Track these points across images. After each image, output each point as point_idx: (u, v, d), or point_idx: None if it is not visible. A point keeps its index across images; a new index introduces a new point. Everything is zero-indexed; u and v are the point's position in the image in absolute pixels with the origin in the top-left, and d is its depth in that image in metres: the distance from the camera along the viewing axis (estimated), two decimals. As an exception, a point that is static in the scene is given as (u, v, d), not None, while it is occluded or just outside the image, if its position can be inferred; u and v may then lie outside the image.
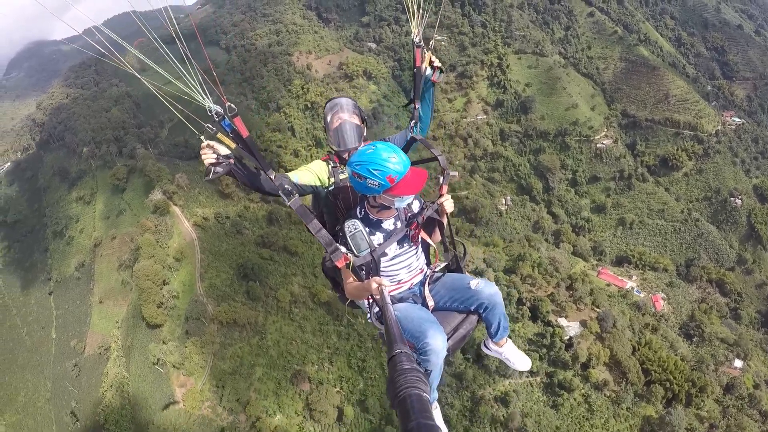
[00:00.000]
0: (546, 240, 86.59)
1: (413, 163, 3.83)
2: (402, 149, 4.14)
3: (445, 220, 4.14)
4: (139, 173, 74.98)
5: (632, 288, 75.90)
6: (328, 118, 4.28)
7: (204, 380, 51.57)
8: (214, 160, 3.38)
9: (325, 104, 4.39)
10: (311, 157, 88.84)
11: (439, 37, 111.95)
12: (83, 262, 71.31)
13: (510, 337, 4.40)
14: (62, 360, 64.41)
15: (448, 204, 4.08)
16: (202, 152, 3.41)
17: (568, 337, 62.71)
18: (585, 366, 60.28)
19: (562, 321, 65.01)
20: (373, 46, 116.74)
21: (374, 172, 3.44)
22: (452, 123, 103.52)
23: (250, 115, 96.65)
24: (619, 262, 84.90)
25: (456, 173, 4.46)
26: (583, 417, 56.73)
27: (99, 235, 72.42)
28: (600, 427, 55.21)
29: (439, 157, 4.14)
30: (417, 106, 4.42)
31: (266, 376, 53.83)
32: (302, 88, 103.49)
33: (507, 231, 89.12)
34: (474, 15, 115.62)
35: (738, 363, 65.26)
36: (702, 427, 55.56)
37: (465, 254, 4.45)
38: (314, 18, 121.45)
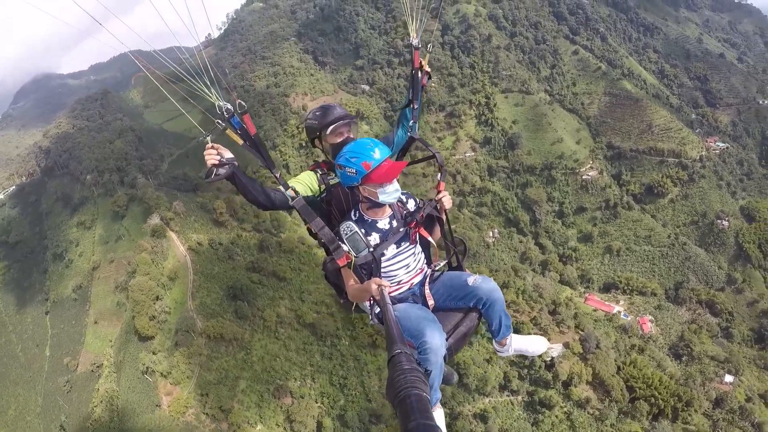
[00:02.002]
0: (533, 270, 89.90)
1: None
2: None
3: (444, 217, 4.25)
4: (139, 201, 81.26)
5: (619, 312, 77.99)
6: (328, 131, 4.34)
7: (190, 388, 55.92)
8: (217, 162, 3.53)
9: (318, 112, 4.44)
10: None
11: (434, 83, 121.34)
12: (80, 284, 76.54)
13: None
14: (54, 377, 68.58)
15: (447, 200, 4.21)
16: (206, 153, 3.53)
17: (549, 358, 64.89)
18: (566, 384, 62.58)
19: (544, 343, 68.45)
20: (367, 88, 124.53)
21: (351, 159, 3.73)
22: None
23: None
24: (607, 288, 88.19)
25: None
26: (564, 434, 59.40)
27: (97, 259, 77.89)
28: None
29: (436, 155, 4.28)
30: (415, 106, 4.57)
31: (249, 388, 57.40)
32: (297, 128, 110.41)
33: (494, 262, 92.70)
34: (463, 57, 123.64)
35: (729, 378, 66.99)
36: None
37: (465, 251, 4.55)
38: (311, 61, 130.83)
